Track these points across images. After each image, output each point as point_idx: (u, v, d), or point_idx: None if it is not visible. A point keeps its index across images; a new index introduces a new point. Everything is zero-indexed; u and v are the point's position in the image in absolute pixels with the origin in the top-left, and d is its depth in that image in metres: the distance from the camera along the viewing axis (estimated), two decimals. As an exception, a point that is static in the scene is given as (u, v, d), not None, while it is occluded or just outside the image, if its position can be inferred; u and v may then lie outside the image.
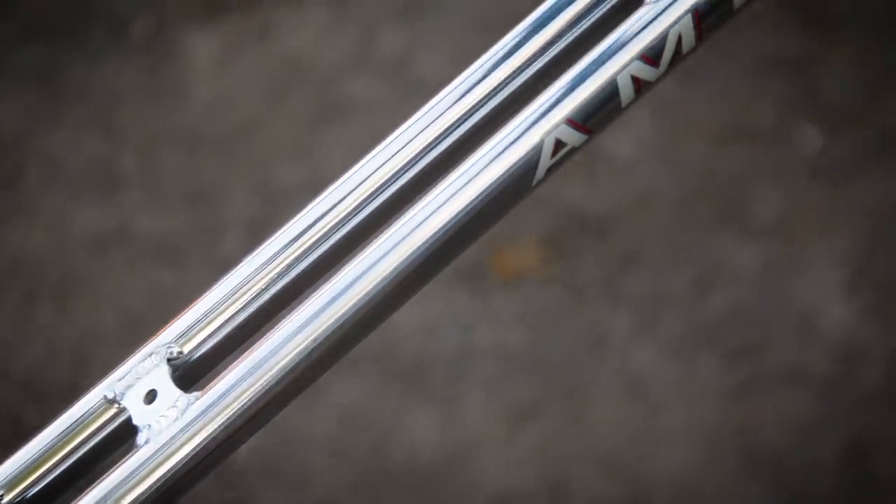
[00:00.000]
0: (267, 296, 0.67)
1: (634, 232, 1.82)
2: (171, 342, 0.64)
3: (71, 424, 0.64)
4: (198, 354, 0.65)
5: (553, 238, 1.83)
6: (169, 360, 0.64)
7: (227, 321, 0.66)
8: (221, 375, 0.63)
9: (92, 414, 0.64)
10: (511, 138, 0.65)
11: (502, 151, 0.65)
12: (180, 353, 0.65)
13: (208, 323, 0.66)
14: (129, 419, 0.63)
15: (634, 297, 1.78)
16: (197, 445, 0.62)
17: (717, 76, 1.88)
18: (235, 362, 0.64)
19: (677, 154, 1.86)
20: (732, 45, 1.88)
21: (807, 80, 1.87)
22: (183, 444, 0.61)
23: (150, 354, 0.64)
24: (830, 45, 1.88)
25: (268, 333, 0.65)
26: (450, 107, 0.68)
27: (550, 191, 1.82)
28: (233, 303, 0.66)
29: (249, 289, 0.67)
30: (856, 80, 1.86)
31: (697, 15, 0.66)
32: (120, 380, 0.64)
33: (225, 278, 0.67)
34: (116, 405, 0.63)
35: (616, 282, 1.80)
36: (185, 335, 0.65)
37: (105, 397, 0.64)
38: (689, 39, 0.66)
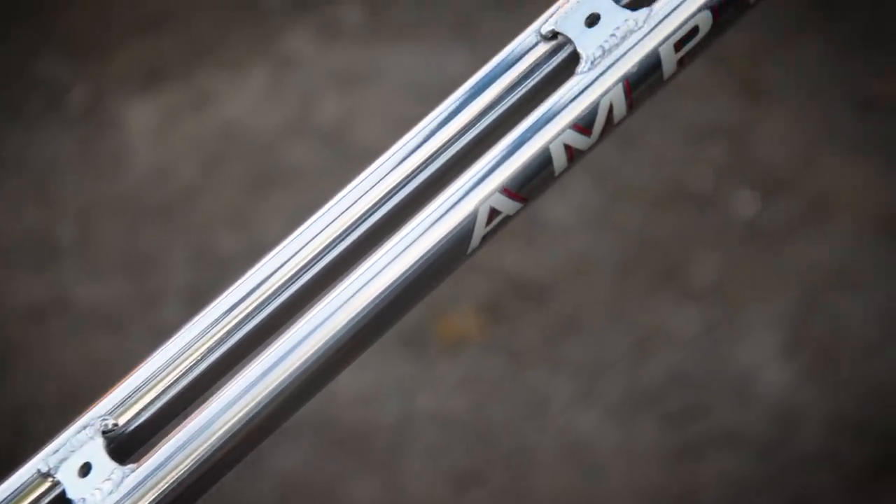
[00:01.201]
0: (205, 365, 0.67)
1: (574, 297, 1.83)
2: (106, 414, 0.64)
3: (4, 499, 0.63)
4: (134, 426, 0.65)
5: (493, 304, 1.83)
6: (104, 432, 0.64)
7: (163, 391, 0.66)
8: (158, 447, 0.63)
9: (25, 488, 0.63)
10: (446, 207, 0.66)
11: (437, 220, 0.66)
12: (116, 424, 0.64)
13: (145, 393, 0.65)
14: (63, 493, 0.62)
15: (575, 362, 1.79)
16: (132, 519, 0.61)
17: (654, 141, 1.90)
18: (172, 433, 0.63)
19: (616, 219, 1.87)
20: (669, 111, 1.90)
21: (742, 146, 1.89)
22: (118, 518, 0.61)
23: (85, 427, 0.63)
24: (765, 111, 1.91)
25: (206, 403, 0.65)
26: (386, 174, 0.68)
27: (491, 257, 1.83)
28: (170, 373, 0.66)
29: (187, 358, 0.66)
30: (790, 145, 1.88)
31: (628, 84, 0.66)
32: (54, 453, 0.63)
33: (162, 348, 0.66)
34: (50, 479, 0.63)
35: (556, 347, 1.80)
36: (121, 406, 0.65)
37: (39, 471, 0.63)
38: (620, 108, 0.67)
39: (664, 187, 1.88)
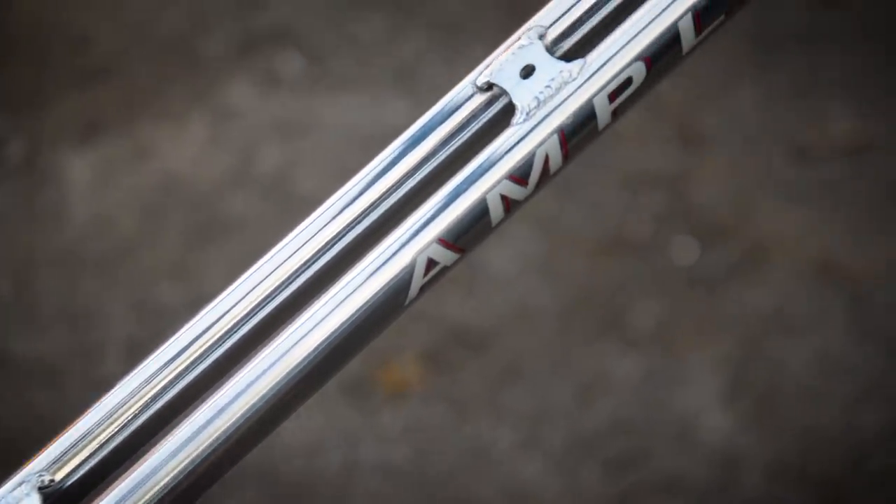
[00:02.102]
0: (143, 418, 0.66)
1: (515, 345, 1.83)
2: (42, 469, 0.63)
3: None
4: (71, 481, 0.64)
5: (436, 352, 1.83)
6: (40, 488, 0.63)
7: (101, 446, 0.65)
8: (95, 503, 0.62)
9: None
10: (383, 258, 0.66)
11: (375, 271, 0.66)
12: (52, 480, 0.64)
13: (82, 448, 0.65)
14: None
15: (517, 410, 1.79)
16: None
17: (593, 190, 1.91)
18: (110, 489, 0.63)
19: (556, 267, 1.88)
20: (608, 159, 1.91)
21: (681, 193, 1.90)
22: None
23: (21, 483, 0.63)
24: (703, 158, 1.92)
25: (143, 457, 0.64)
26: (325, 226, 0.68)
27: (433, 305, 1.83)
28: (108, 427, 0.65)
29: (125, 412, 0.66)
30: (728, 192, 1.90)
31: (563, 135, 0.67)
32: (-10, 510, 0.63)
33: (99, 402, 0.66)
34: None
35: (498, 395, 1.80)
36: (57, 462, 0.64)
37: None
38: (556, 158, 0.67)
39: (604, 235, 1.89)
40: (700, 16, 0.67)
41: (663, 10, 0.67)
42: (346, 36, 2.05)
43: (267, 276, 0.68)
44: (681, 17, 0.67)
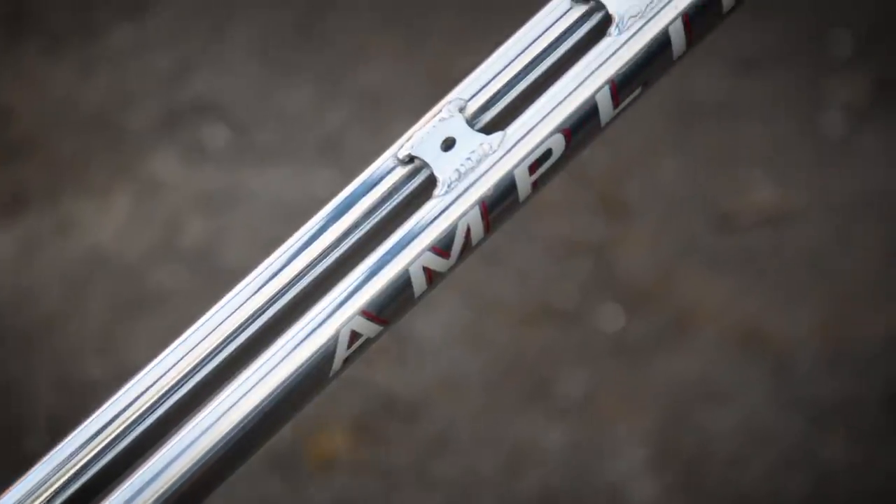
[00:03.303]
0: (67, 494, 0.66)
1: (444, 415, 1.83)
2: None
3: None
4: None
5: (364, 423, 1.83)
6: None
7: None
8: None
9: None
10: (307, 331, 0.66)
11: (298, 344, 0.66)
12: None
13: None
14: None
15: (446, 480, 1.79)
16: None
17: (520, 258, 1.92)
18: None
19: (484, 335, 1.88)
20: (533, 229, 1.92)
21: (605, 261, 1.91)
22: None
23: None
24: (626, 226, 1.94)
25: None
26: (248, 299, 0.68)
27: (360, 375, 1.83)
28: (30, 505, 0.65)
29: (47, 489, 0.65)
30: (652, 260, 1.91)
31: (485, 206, 0.67)
32: None
33: (21, 480, 0.65)
34: None
35: (427, 465, 1.80)
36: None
37: None
38: (477, 230, 0.68)
39: (530, 304, 1.89)
40: (617, 88, 0.68)
41: (581, 83, 0.68)
42: (271, 107, 2.06)
43: (191, 350, 0.68)
44: (598, 90, 0.68)
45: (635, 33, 0.68)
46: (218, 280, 1.91)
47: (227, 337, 0.68)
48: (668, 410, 1.82)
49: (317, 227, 0.69)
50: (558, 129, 0.68)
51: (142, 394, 0.67)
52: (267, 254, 0.69)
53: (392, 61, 2.06)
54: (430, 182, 0.68)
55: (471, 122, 0.68)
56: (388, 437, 1.82)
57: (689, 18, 0.69)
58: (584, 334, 1.87)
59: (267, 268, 0.69)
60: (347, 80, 2.06)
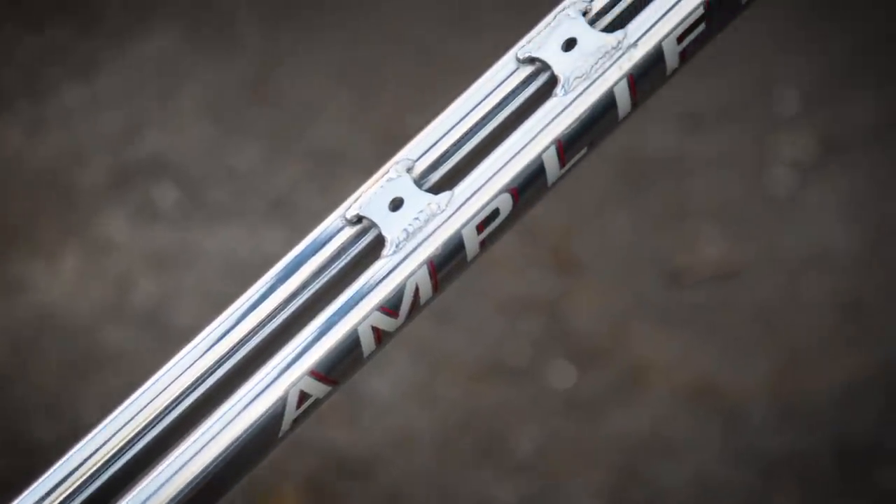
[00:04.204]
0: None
1: (396, 472, 1.83)
2: None
3: None
4: None
5: (316, 482, 1.82)
6: None
7: None
8: None
9: None
10: (255, 392, 0.66)
11: (247, 405, 0.66)
12: None
13: None
14: None
15: (399, 539, 1.78)
16: None
17: (471, 315, 1.92)
18: None
19: (436, 392, 1.88)
20: (484, 286, 1.93)
21: (557, 318, 1.92)
22: None
23: None
24: (577, 283, 1.94)
25: None
26: (199, 358, 0.68)
27: (312, 434, 1.82)
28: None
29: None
30: (603, 316, 1.92)
31: (433, 266, 0.68)
32: None
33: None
34: None
35: (379, 524, 1.79)
36: None
37: None
38: (426, 289, 0.68)
39: (482, 360, 1.89)
40: (564, 148, 0.69)
41: (528, 143, 0.69)
42: (221, 167, 2.06)
43: (141, 410, 0.67)
44: (545, 150, 0.69)
45: (581, 94, 0.69)
46: (168, 339, 1.90)
47: (177, 398, 0.68)
48: (620, 465, 1.82)
49: (265, 287, 0.69)
50: (506, 189, 0.68)
51: (92, 454, 0.67)
52: (217, 313, 0.69)
53: (342, 120, 2.07)
54: (379, 242, 0.68)
55: (418, 181, 0.69)
56: (341, 496, 1.81)
57: (634, 79, 0.70)
58: (536, 390, 1.87)
59: (216, 328, 0.69)
60: (298, 138, 2.06)
